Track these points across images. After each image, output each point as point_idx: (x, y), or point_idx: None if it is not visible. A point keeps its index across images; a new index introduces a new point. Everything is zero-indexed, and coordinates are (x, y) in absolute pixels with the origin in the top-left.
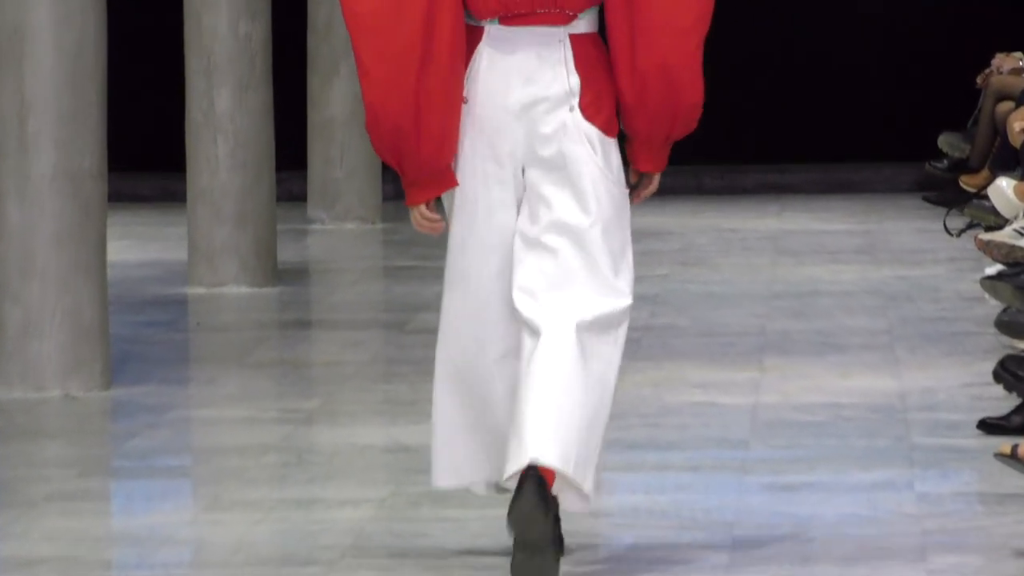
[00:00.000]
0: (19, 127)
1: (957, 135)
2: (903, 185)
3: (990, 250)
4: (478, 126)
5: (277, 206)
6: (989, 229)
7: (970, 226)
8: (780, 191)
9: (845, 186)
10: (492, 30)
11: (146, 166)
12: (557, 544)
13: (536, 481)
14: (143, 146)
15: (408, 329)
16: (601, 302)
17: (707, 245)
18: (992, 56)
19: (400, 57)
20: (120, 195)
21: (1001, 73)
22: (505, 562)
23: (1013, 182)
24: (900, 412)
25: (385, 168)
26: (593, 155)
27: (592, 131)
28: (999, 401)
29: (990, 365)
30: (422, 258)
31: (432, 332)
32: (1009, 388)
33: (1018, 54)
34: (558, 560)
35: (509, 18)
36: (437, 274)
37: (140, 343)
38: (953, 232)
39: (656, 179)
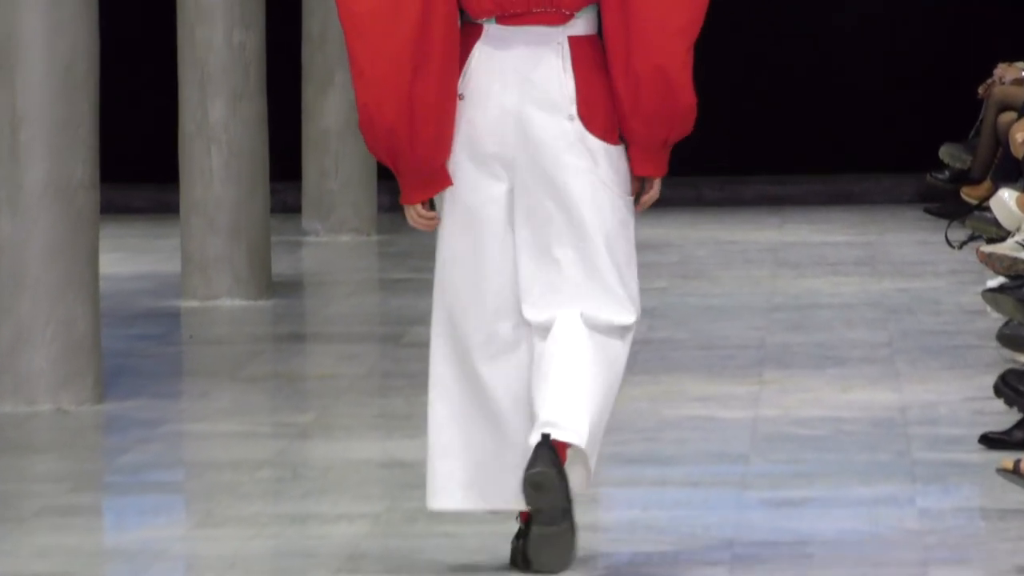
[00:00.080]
0: (11, 137)
1: (959, 146)
2: (904, 196)
3: (992, 262)
4: (472, 124)
5: (271, 218)
6: (991, 241)
7: (972, 238)
8: (780, 202)
9: (845, 197)
10: (490, 29)
11: (139, 177)
12: (572, 524)
13: (550, 448)
14: (136, 157)
15: (404, 342)
16: (608, 310)
17: (706, 257)
18: (994, 66)
19: (396, 57)
20: (113, 206)
21: (1003, 83)
22: None
23: (1015, 194)
24: (901, 426)
25: (380, 179)
26: (594, 167)
27: (595, 143)
28: (1001, 415)
29: (992, 379)
30: (418, 270)
31: (428, 345)
32: (1010, 403)
33: (1020, 64)
34: (575, 535)
35: (506, 17)
36: (433, 287)
37: (133, 356)
38: (954, 244)
39: (657, 184)
